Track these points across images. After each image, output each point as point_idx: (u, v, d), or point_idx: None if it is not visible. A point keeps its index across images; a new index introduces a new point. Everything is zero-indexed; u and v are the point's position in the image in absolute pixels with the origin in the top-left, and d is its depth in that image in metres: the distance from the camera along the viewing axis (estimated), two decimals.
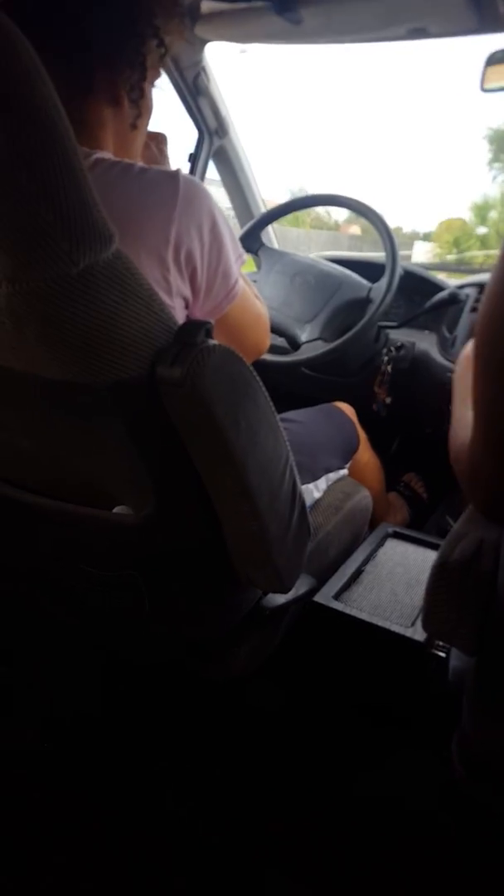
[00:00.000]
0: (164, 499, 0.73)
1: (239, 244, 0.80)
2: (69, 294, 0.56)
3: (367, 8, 1.14)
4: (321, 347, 1.44)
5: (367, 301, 1.48)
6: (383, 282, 1.43)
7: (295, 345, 1.48)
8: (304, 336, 1.49)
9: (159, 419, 0.66)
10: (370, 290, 1.49)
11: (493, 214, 17.07)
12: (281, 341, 1.54)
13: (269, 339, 0.97)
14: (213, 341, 0.64)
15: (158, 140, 0.94)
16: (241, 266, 0.82)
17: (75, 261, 0.54)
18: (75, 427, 0.70)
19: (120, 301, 0.59)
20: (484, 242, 16.17)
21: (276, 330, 1.53)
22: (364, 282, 1.53)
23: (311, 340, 1.48)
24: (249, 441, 0.70)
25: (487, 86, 1.14)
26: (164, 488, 0.73)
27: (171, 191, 0.69)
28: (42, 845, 1.01)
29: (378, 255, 1.52)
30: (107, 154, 0.74)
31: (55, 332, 0.58)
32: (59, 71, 0.70)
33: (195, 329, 0.63)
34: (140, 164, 0.72)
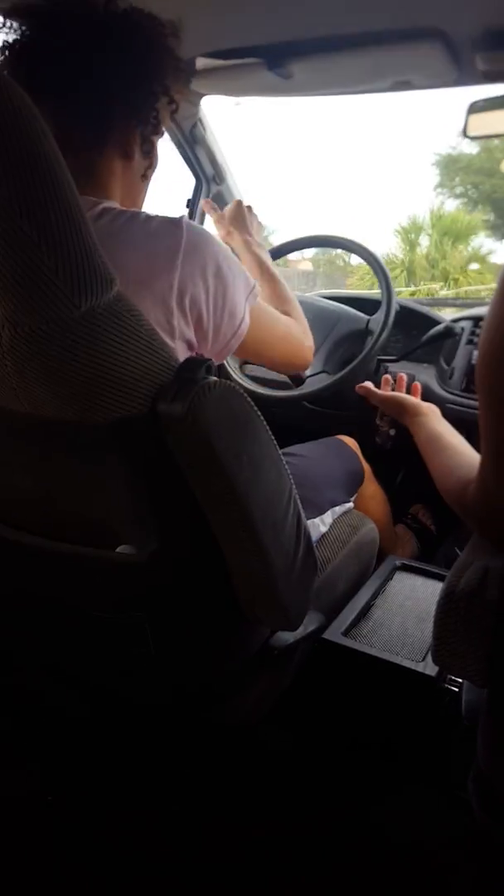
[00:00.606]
0: (167, 537, 0.73)
1: (249, 278, 0.82)
2: (71, 336, 0.57)
3: (354, 63, 1.20)
4: (325, 380, 1.46)
5: (366, 332, 1.50)
6: (381, 313, 1.46)
7: (299, 379, 1.49)
8: (307, 370, 1.51)
9: (161, 456, 0.67)
10: (368, 321, 1.51)
11: (424, 240, 15.18)
12: (282, 377, 1.55)
13: (310, 349, 1.01)
14: (213, 378, 0.65)
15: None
16: (255, 297, 0.83)
17: (77, 304, 0.56)
18: (77, 466, 0.70)
19: (121, 342, 0.60)
20: (410, 271, 14.61)
21: None
22: (361, 315, 1.55)
23: (314, 374, 1.50)
24: (252, 476, 0.70)
25: (470, 133, 1.20)
26: (168, 526, 0.73)
27: (176, 239, 0.71)
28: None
29: (369, 292, 1.55)
30: (113, 203, 0.77)
31: (57, 373, 0.59)
32: (75, 125, 0.75)
33: (196, 366, 0.64)
34: (145, 212, 0.74)
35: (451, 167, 17.19)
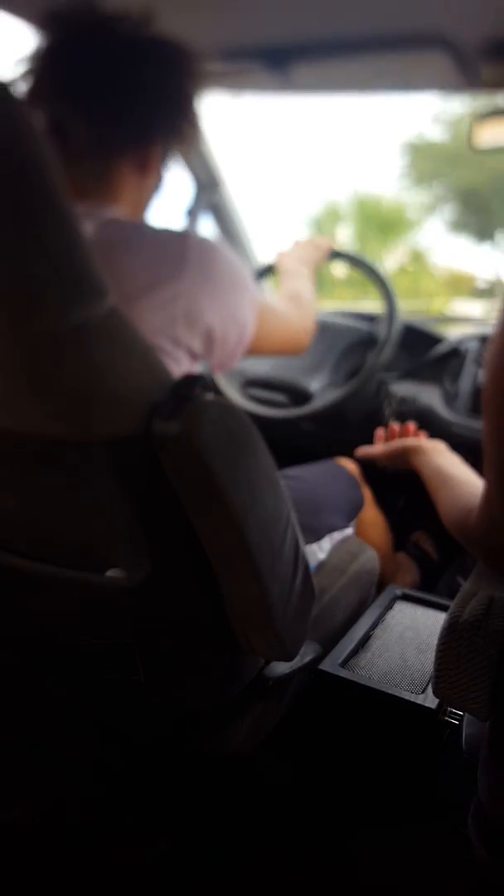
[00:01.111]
0: (159, 560, 0.70)
1: (251, 281, 0.82)
2: (62, 349, 0.55)
3: (355, 66, 1.20)
4: (333, 392, 1.44)
5: (370, 340, 1.49)
6: (384, 322, 1.45)
7: (306, 395, 1.48)
8: (313, 385, 1.49)
9: (155, 476, 0.65)
10: (371, 332, 1.50)
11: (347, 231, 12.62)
12: (280, 397, 1.54)
13: (307, 335, 1.05)
14: (210, 395, 0.63)
15: None
16: (257, 301, 0.84)
17: (69, 316, 0.54)
18: (66, 486, 0.68)
19: (114, 357, 0.58)
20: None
21: (282, 385, 1.54)
22: (363, 325, 1.55)
23: (322, 388, 1.48)
24: (249, 498, 0.68)
25: (477, 145, 1.19)
26: (160, 549, 0.70)
27: (182, 249, 0.72)
28: None
29: (362, 309, 1.55)
30: (119, 214, 0.78)
31: (48, 388, 0.57)
32: (104, 131, 0.77)
33: (192, 383, 0.63)
34: (151, 223, 0.75)
35: (416, 154, 14.77)
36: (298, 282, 1.18)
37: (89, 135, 0.76)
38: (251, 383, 1.60)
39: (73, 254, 0.54)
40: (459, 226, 14.43)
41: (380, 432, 1.18)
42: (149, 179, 0.84)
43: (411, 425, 1.14)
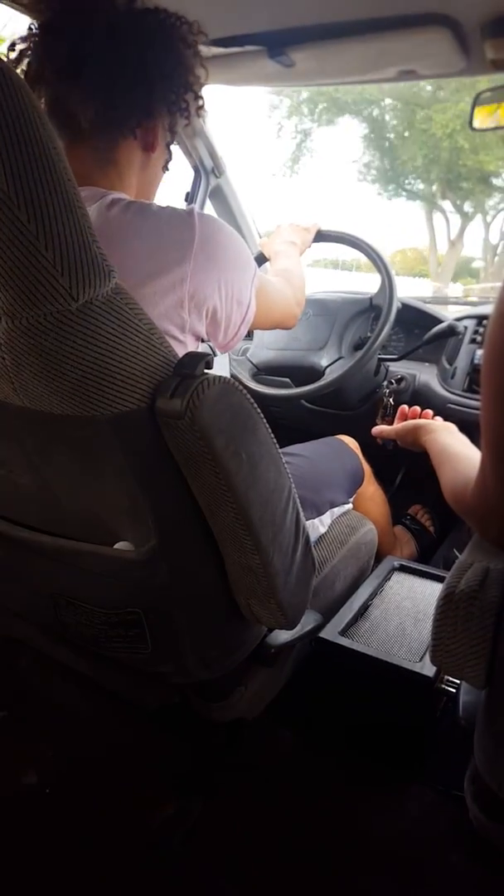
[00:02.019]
0: (165, 533, 0.72)
1: (252, 260, 0.83)
2: (68, 329, 0.57)
3: (358, 51, 1.17)
4: (345, 365, 1.44)
5: (371, 308, 1.50)
6: (382, 288, 1.46)
7: (318, 372, 1.49)
8: (324, 361, 1.50)
9: (160, 452, 0.66)
10: (371, 298, 1.51)
11: None
12: (288, 380, 1.54)
13: (299, 309, 1.10)
14: (212, 373, 0.64)
15: None
16: (258, 279, 0.85)
17: (74, 296, 0.55)
18: (75, 461, 0.70)
19: (119, 335, 0.59)
20: None
21: (292, 366, 1.55)
22: (362, 296, 1.55)
23: (332, 362, 1.49)
24: (251, 473, 0.70)
25: (476, 125, 1.18)
26: (165, 523, 0.72)
27: (188, 231, 0.71)
28: (39, 891, 0.97)
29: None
30: (122, 194, 0.77)
31: (54, 367, 0.58)
32: (108, 112, 0.76)
33: (195, 361, 0.64)
34: (155, 204, 0.74)
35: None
36: (287, 261, 1.22)
37: (92, 114, 0.75)
38: (261, 370, 1.60)
39: (79, 236, 0.54)
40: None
41: (402, 408, 1.20)
42: (155, 156, 0.84)
43: (428, 412, 1.15)
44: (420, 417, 1.12)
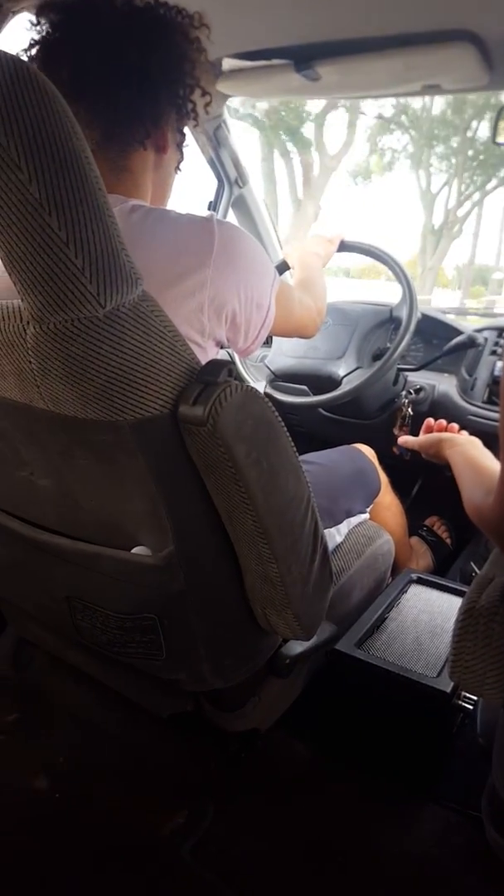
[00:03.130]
0: (183, 539, 0.72)
1: (272, 266, 0.82)
2: (95, 335, 0.57)
3: (382, 66, 1.18)
4: (363, 375, 1.44)
5: (391, 320, 1.49)
6: (403, 300, 1.45)
7: (336, 381, 1.48)
8: (341, 371, 1.49)
9: (181, 458, 0.66)
10: (391, 309, 1.50)
11: None
12: (306, 387, 1.54)
13: (319, 319, 1.10)
14: (235, 381, 0.64)
15: None
16: (278, 283, 0.84)
17: (102, 303, 0.56)
18: (97, 465, 0.70)
19: (144, 341, 0.60)
20: None
21: (310, 374, 1.54)
22: (382, 307, 1.54)
23: (350, 372, 1.48)
24: (271, 481, 0.69)
25: (501, 139, 1.17)
26: (184, 529, 0.72)
27: (208, 237, 0.71)
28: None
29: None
30: (143, 201, 0.78)
31: (81, 372, 0.58)
32: (117, 119, 0.75)
33: (217, 368, 0.64)
34: (175, 210, 0.75)
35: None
36: (310, 271, 1.22)
37: (99, 136, 0.75)
38: (279, 377, 1.60)
39: (107, 242, 0.55)
40: None
41: (428, 420, 1.19)
42: (167, 157, 0.83)
43: (454, 425, 1.15)
44: (446, 431, 1.11)
